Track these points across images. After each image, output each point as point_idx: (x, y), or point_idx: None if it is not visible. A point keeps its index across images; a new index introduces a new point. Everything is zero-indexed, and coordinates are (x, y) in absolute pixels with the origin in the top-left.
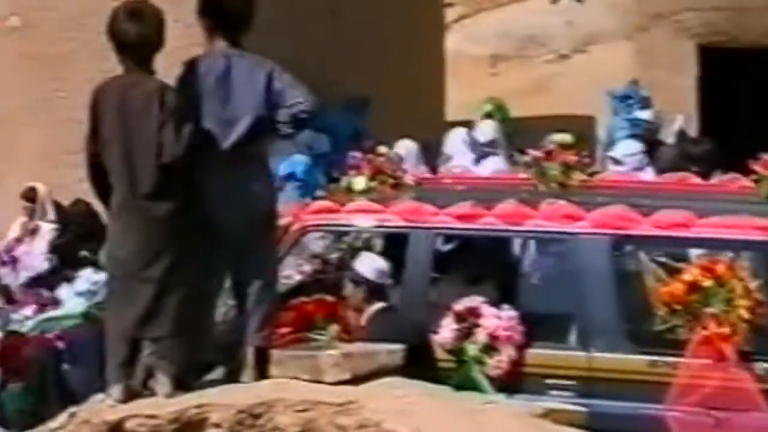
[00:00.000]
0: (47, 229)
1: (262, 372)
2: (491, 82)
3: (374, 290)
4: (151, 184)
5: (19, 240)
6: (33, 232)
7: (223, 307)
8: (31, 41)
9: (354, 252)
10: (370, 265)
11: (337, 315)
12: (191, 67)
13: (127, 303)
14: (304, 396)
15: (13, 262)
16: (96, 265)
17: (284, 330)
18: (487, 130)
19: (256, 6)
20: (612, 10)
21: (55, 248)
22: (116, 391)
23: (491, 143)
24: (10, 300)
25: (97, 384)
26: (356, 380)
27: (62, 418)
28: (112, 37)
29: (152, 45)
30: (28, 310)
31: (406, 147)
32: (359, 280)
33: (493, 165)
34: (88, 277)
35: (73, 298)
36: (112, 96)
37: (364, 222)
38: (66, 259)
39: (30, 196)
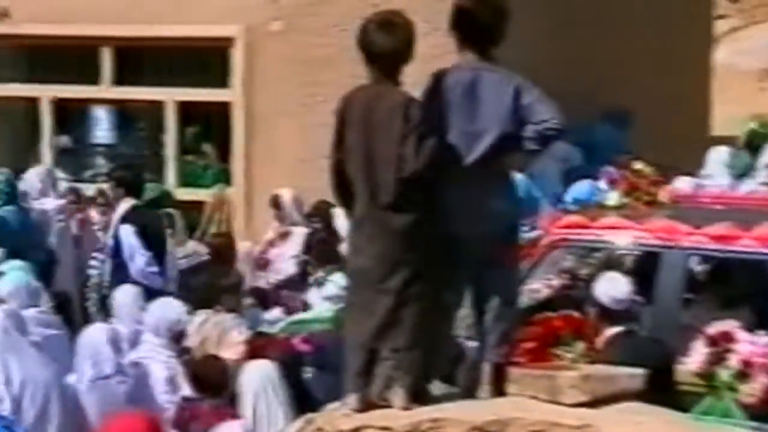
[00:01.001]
0: (298, 234)
1: (498, 389)
2: (760, 98)
3: (613, 314)
4: (391, 195)
5: (271, 243)
6: (284, 236)
7: (462, 321)
8: (293, 45)
9: (601, 269)
10: (609, 289)
11: (584, 332)
12: (439, 79)
13: (366, 313)
14: (541, 416)
15: (266, 264)
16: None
17: (528, 345)
18: None
19: (508, 20)
20: None
21: (306, 250)
22: (353, 400)
23: None
24: (262, 301)
25: (338, 391)
26: (595, 403)
27: (299, 423)
28: (361, 47)
29: (400, 57)
30: (278, 312)
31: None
32: (596, 303)
33: (752, 185)
34: (337, 282)
35: (322, 302)
36: (358, 106)
37: (616, 238)
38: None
39: (277, 202)
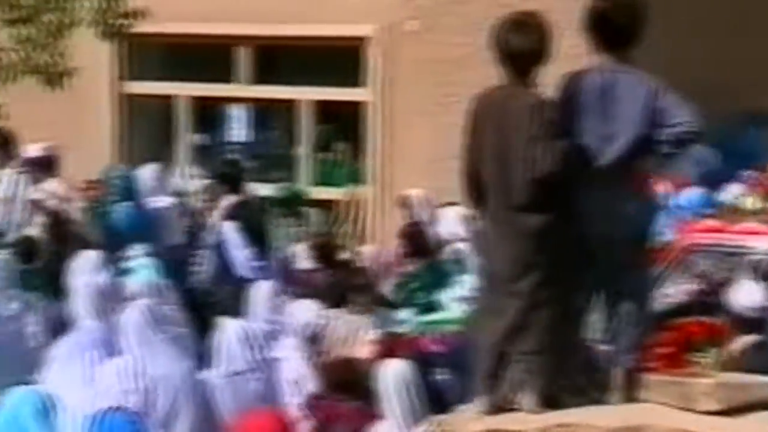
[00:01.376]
0: None
1: (630, 395)
2: None
3: (746, 321)
4: (523, 196)
5: None
6: None
7: (593, 325)
8: (428, 45)
9: (736, 275)
10: (743, 296)
11: (720, 339)
12: (573, 80)
13: (496, 315)
14: (673, 424)
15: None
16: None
17: (662, 350)
18: None
19: (645, 21)
20: None
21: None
22: (482, 402)
23: None
24: (389, 302)
25: (468, 393)
26: (729, 412)
27: (428, 424)
28: (495, 46)
29: (534, 57)
30: (408, 313)
31: None
32: (730, 310)
33: None
34: (469, 282)
35: (453, 302)
36: (491, 106)
37: (754, 244)
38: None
39: (406, 202)
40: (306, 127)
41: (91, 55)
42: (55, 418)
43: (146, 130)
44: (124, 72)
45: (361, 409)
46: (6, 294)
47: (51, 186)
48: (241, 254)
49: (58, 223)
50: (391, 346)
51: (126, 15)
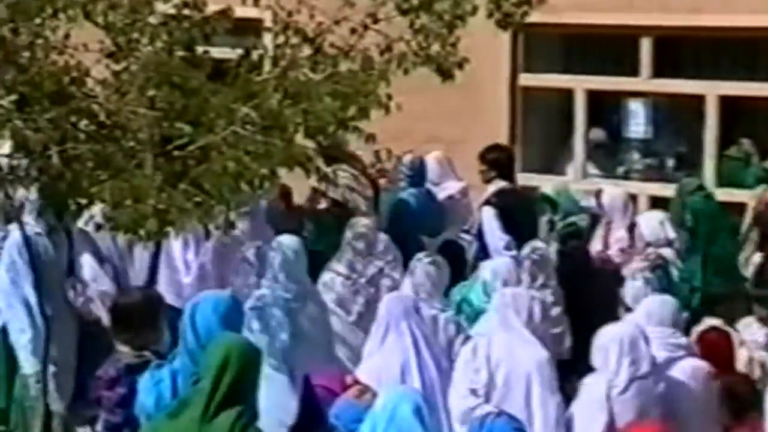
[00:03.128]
0: None
1: None
2: None
3: None
4: None
5: None
6: None
7: None
8: None
9: None
10: None
11: None
12: None
13: None
14: None
15: None
16: None
17: None
18: None
19: None
20: None
21: None
22: None
23: None
24: None
25: None
26: None
27: None
28: None
29: None
30: None
31: None
32: None
33: None
34: None
35: None
36: None
37: None
38: None
39: None
40: (712, 125)
41: (486, 46)
42: (431, 418)
43: (542, 125)
44: (520, 64)
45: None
46: None
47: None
48: (494, 240)
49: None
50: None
51: (522, 3)
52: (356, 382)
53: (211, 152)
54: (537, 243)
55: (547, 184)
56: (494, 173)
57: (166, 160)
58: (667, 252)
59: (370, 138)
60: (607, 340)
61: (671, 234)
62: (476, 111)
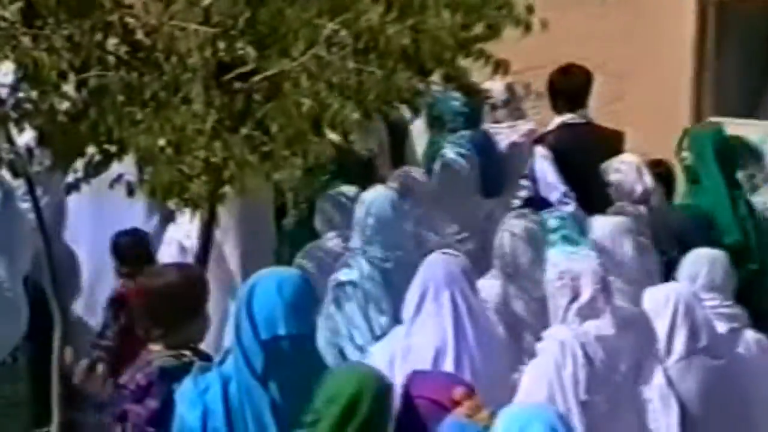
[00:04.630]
0: None
1: None
2: None
3: None
4: None
5: None
6: None
7: None
8: None
9: None
10: None
11: None
12: None
13: None
14: None
15: None
16: None
17: None
18: None
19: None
20: None
21: None
22: None
23: None
24: None
25: None
26: None
27: None
28: None
29: None
30: None
31: None
32: None
33: None
34: None
35: None
36: None
37: None
38: None
39: None
40: None
41: None
42: None
43: (742, 53)
44: None
45: None
46: None
47: None
48: (546, 189)
49: None
50: None
51: None
52: (470, 392)
53: (284, 84)
54: None
55: (749, 130)
56: (562, 102)
57: (223, 94)
58: None
59: (501, 66)
60: (655, 304)
61: None
62: (651, 33)
